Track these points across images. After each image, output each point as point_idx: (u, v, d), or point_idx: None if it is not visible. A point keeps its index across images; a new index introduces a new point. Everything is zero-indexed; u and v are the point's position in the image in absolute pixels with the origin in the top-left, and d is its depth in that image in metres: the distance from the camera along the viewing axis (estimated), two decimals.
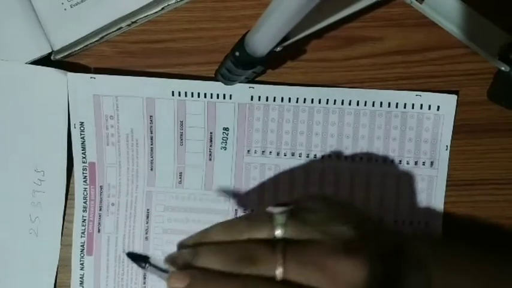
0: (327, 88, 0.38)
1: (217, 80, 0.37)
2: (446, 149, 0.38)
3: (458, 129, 0.38)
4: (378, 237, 0.30)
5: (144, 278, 0.40)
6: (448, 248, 0.33)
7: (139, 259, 0.38)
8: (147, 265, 0.38)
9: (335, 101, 0.38)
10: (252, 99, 0.38)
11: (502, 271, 0.32)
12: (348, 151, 0.38)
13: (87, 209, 0.40)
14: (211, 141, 0.39)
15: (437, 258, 0.31)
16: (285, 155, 0.39)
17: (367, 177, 0.38)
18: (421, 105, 0.38)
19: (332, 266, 0.27)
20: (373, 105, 0.38)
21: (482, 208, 0.38)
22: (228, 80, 0.36)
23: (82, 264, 0.40)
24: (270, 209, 0.30)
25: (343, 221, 0.29)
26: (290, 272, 0.27)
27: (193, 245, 0.30)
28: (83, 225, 0.40)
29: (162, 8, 0.38)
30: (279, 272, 0.27)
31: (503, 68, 0.35)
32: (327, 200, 0.32)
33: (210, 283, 0.28)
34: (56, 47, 0.39)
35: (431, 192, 0.38)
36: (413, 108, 0.38)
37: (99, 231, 0.40)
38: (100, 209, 0.40)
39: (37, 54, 0.38)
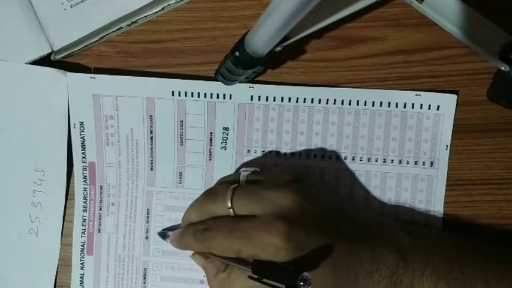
0: (327, 88, 0.38)
1: (217, 80, 0.37)
2: (446, 149, 0.38)
3: (458, 129, 0.38)
4: (315, 188, 0.35)
5: (144, 278, 0.40)
6: (424, 236, 0.35)
7: (164, 236, 0.39)
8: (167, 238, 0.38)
9: (335, 101, 0.38)
10: (252, 99, 0.38)
11: (470, 256, 0.34)
12: (347, 151, 0.38)
13: (87, 209, 0.40)
14: (211, 141, 0.39)
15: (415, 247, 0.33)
16: (285, 155, 0.39)
17: (367, 177, 0.38)
18: (421, 105, 0.38)
19: (266, 196, 0.32)
20: (373, 105, 0.38)
21: (482, 208, 0.38)
22: (228, 80, 0.36)
23: (82, 264, 0.40)
24: (241, 170, 0.36)
25: (289, 172, 0.35)
26: (236, 204, 0.33)
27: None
28: (83, 225, 0.40)
29: (162, 8, 0.38)
30: (228, 204, 0.33)
31: (503, 68, 0.35)
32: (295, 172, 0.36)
33: (187, 230, 0.35)
34: (56, 47, 0.39)
35: (431, 192, 0.38)
36: (413, 108, 0.38)
37: (99, 231, 0.40)
38: (100, 209, 0.40)
39: (37, 54, 0.38)
